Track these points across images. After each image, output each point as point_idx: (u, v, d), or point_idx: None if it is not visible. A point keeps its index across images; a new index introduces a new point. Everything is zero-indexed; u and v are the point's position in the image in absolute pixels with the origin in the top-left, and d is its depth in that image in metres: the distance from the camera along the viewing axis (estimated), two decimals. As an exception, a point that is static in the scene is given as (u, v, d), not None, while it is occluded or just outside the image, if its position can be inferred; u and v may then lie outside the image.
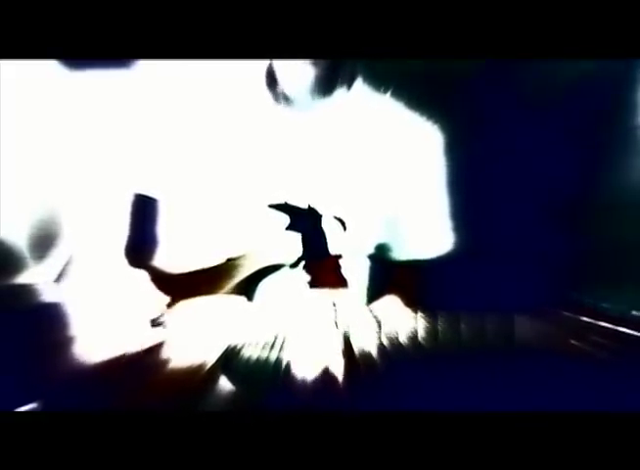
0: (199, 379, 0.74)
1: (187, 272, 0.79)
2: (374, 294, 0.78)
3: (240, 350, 0.75)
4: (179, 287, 0.78)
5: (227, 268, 0.79)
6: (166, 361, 0.74)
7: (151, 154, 0.81)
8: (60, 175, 0.79)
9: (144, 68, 0.78)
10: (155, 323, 0.75)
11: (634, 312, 0.65)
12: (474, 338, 0.70)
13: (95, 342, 0.73)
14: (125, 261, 0.79)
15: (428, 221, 0.79)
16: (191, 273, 0.79)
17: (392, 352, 0.72)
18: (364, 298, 0.78)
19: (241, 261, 0.79)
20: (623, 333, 0.65)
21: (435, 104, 0.79)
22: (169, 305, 0.76)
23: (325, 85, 0.77)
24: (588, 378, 0.68)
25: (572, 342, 0.68)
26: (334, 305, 0.76)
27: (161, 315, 0.75)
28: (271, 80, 0.77)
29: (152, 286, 0.77)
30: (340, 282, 0.79)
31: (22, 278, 0.75)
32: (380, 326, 0.73)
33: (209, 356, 0.74)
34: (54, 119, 0.78)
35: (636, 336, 0.64)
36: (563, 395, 0.71)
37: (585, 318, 0.67)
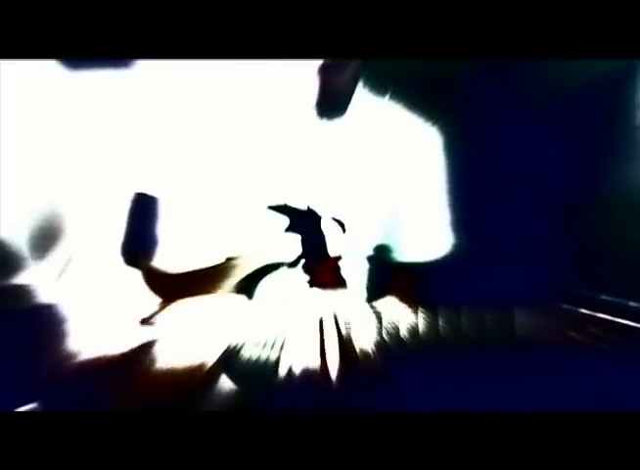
0: (199, 379, 0.74)
1: (187, 272, 0.79)
2: (374, 295, 0.78)
3: (240, 349, 0.75)
4: (179, 286, 0.78)
5: (227, 268, 0.79)
6: (166, 361, 0.74)
7: (151, 153, 0.81)
8: (60, 175, 0.79)
9: (144, 68, 0.78)
10: (145, 322, 0.75)
11: (632, 303, 0.65)
12: (474, 332, 0.70)
13: (95, 342, 0.73)
14: (125, 261, 0.79)
15: (427, 222, 0.79)
16: (191, 273, 0.79)
17: (393, 351, 0.72)
18: (364, 299, 0.78)
19: (240, 261, 0.80)
20: (622, 324, 0.65)
21: (435, 105, 0.79)
22: (168, 305, 0.77)
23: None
24: (588, 372, 0.68)
25: (572, 334, 0.68)
26: (333, 305, 0.76)
27: (153, 315, 0.75)
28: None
29: (152, 285, 0.77)
30: (338, 283, 0.79)
31: (22, 278, 0.75)
32: (380, 325, 0.73)
33: (209, 356, 0.74)
34: (54, 119, 0.78)
35: (635, 327, 0.65)
36: (564, 390, 0.71)
37: (584, 310, 0.68)
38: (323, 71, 0.77)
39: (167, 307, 0.76)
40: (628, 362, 0.65)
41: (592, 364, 0.67)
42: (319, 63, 0.76)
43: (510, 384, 0.72)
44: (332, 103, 0.80)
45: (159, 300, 0.77)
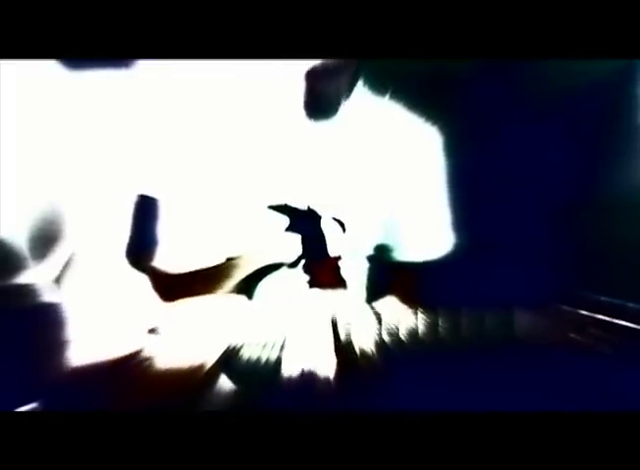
0: (199, 379, 0.74)
1: (187, 272, 0.79)
2: (374, 294, 0.78)
3: (240, 349, 0.75)
4: (179, 286, 0.78)
5: (227, 268, 0.79)
6: (166, 361, 0.74)
7: (151, 154, 0.81)
8: (60, 175, 0.79)
9: (144, 68, 0.78)
10: (151, 331, 0.75)
11: (632, 305, 0.65)
12: (474, 333, 0.70)
13: (95, 342, 0.73)
14: (125, 261, 0.79)
15: (427, 222, 0.79)
16: (191, 273, 0.79)
17: (393, 351, 0.72)
18: (364, 298, 0.78)
19: (241, 261, 0.80)
20: (623, 326, 0.65)
21: (435, 105, 0.79)
22: (169, 305, 0.77)
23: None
24: (589, 374, 0.68)
25: (573, 335, 0.68)
26: (333, 305, 0.76)
27: (157, 326, 0.75)
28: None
29: (152, 286, 0.77)
30: (339, 283, 0.79)
31: (22, 278, 0.75)
32: (380, 326, 0.73)
33: (209, 356, 0.74)
34: (54, 119, 0.78)
35: (635, 328, 0.65)
36: (564, 391, 0.71)
37: (584, 312, 0.68)
38: (322, 72, 0.77)
39: (168, 308, 0.77)
40: (629, 364, 0.65)
41: (592, 365, 0.67)
42: (319, 63, 0.76)
43: (510, 384, 0.72)
44: (331, 103, 0.80)
45: (160, 300, 0.77)
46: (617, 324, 0.65)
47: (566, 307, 0.69)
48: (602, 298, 0.67)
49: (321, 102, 0.79)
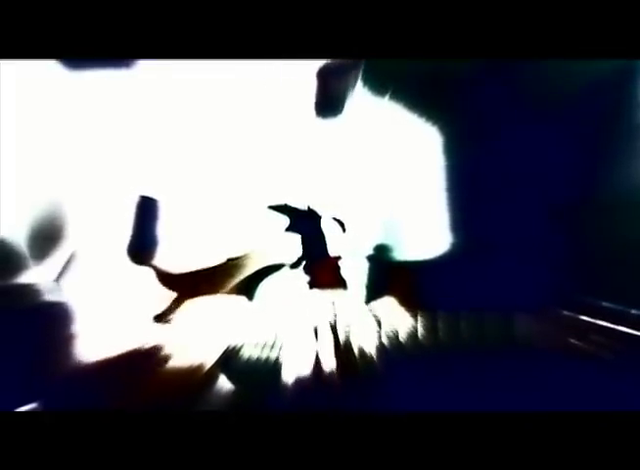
0: (199, 379, 0.74)
1: (187, 272, 0.79)
2: (373, 294, 0.78)
3: (240, 349, 0.75)
4: (179, 287, 0.78)
5: (227, 268, 0.79)
6: (167, 361, 0.74)
7: (151, 154, 0.81)
8: (60, 176, 0.79)
9: (144, 68, 0.78)
10: (160, 319, 0.75)
11: (634, 311, 0.65)
12: (474, 337, 0.70)
13: (95, 342, 0.73)
14: (126, 261, 0.79)
15: (427, 222, 0.79)
16: (191, 273, 0.79)
17: (393, 352, 0.72)
18: (363, 298, 0.78)
19: (241, 262, 0.80)
20: (624, 332, 0.65)
21: (435, 105, 0.79)
22: (171, 305, 0.77)
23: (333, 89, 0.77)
24: (589, 377, 0.68)
25: (573, 341, 0.68)
26: (333, 305, 0.76)
27: (169, 313, 0.75)
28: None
29: (152, 286, 0.77)
30: (339, 283, 0.79)
31: (22, 278, 0.75)
32: (379, 326, 0.73)
33: (209, 356, 0.74)
34: (54, 119, 0.78)
35: (636, 335, 0.64)
36: (563, 394, 0.71)
37: (585, 317, 0.67)
38: (323, 72, 0.77)
39: (171, 308, 0.77)
40: (629, 370, 0.65)
41: (592, 371, 0.67)
42: (320, 63, 0.76)
43: (508, 387, 0.72)
44: (332, 103, 0.80)
45: (160, 300, 0.77)
46: (617, 330, 0.65)
47: (566, 312, 0.69)
48: (603, 303, 0.67)
49: (327, 102, 0.79)
